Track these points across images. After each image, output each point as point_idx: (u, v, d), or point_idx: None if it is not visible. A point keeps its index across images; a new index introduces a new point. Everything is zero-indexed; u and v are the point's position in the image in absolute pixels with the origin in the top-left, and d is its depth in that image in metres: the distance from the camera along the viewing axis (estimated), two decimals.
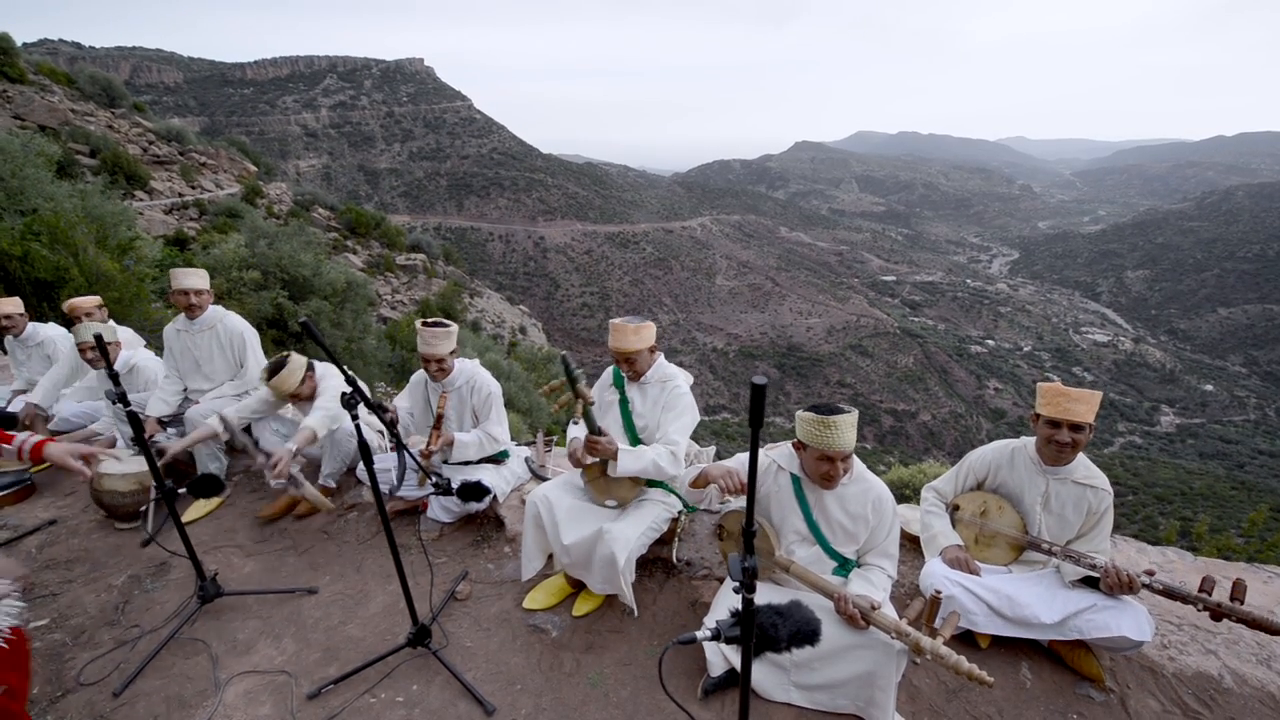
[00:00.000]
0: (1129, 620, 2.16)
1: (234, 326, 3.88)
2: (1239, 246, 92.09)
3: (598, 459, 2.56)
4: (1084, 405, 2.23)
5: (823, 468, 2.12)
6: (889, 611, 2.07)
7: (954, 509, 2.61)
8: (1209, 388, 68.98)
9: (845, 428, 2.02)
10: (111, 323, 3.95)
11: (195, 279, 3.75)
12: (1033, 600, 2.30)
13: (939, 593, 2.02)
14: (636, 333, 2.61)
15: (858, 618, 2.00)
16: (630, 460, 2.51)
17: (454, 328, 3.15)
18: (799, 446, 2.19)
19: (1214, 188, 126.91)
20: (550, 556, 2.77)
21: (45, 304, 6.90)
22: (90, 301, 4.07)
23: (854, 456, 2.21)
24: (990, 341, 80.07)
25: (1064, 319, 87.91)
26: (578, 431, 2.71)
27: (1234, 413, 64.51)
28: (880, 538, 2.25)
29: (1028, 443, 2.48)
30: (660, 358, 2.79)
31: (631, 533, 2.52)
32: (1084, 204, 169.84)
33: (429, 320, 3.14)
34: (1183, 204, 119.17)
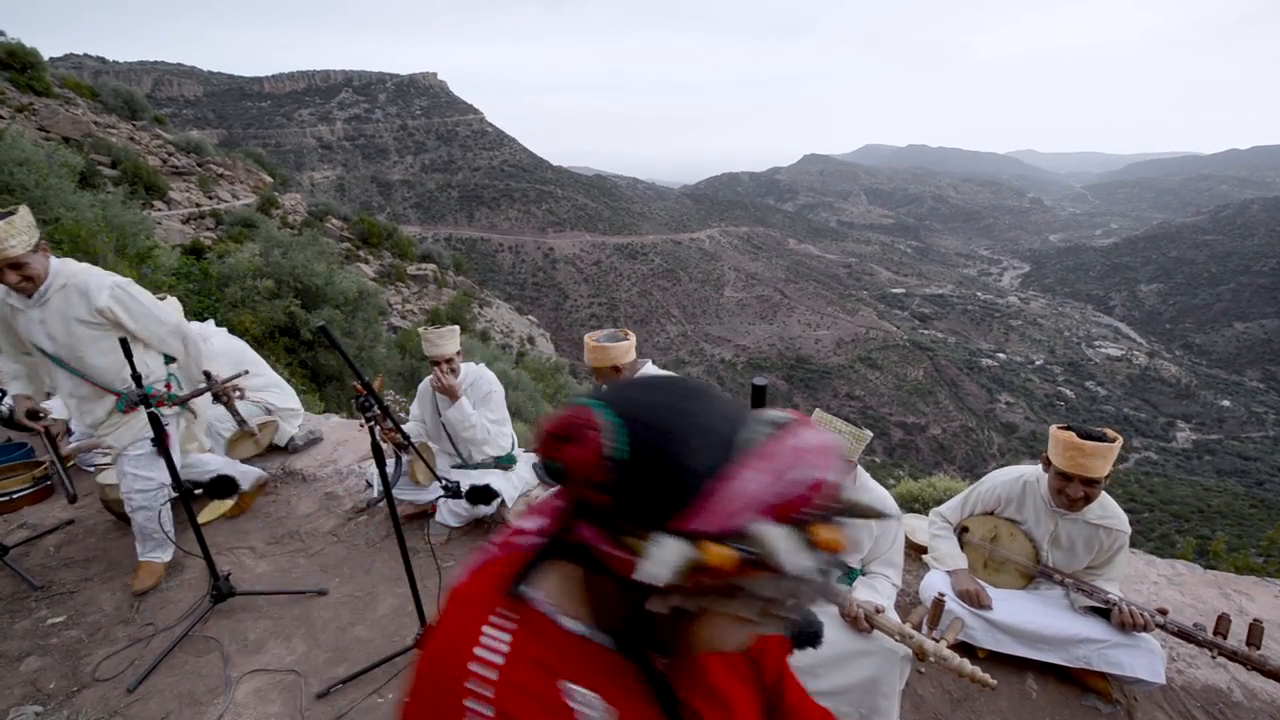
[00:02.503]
0: (1143, 662, 2.12)
1: (212, 350, 3.85)
2: (1255, 260, 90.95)
3: None
4: (1099, 460, 2.09)
5: None
6: (893, 616, 2.08)
7: (963, 530, 2.57)
8: (1226, 403, 67.86)
9: (834, 431, 2.07)
10: None
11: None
12: (1036, 615, 2.28)
13: (942, 595, 2.03)
14: (600, 350, 2.68)
15: (861, 620, 2.01)
16: None
17: (455, 327, 3.19)
18: None
19: (1228, 201, 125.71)
20: None
21: None
22: None
23: (860, 471, 2.23)
24: (1001, 355, 79.35)
25: (1076, 332, 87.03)
26: None
27: (1252, 429, 63.33)
28: (884, 547, 2.26)
29: (1041, 477, 2.36)
30: (645, 366, 2.82)
31: None
32: (1095, 217, 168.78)
33: (434, 325, 3.20)
34: (1196, 217, 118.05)
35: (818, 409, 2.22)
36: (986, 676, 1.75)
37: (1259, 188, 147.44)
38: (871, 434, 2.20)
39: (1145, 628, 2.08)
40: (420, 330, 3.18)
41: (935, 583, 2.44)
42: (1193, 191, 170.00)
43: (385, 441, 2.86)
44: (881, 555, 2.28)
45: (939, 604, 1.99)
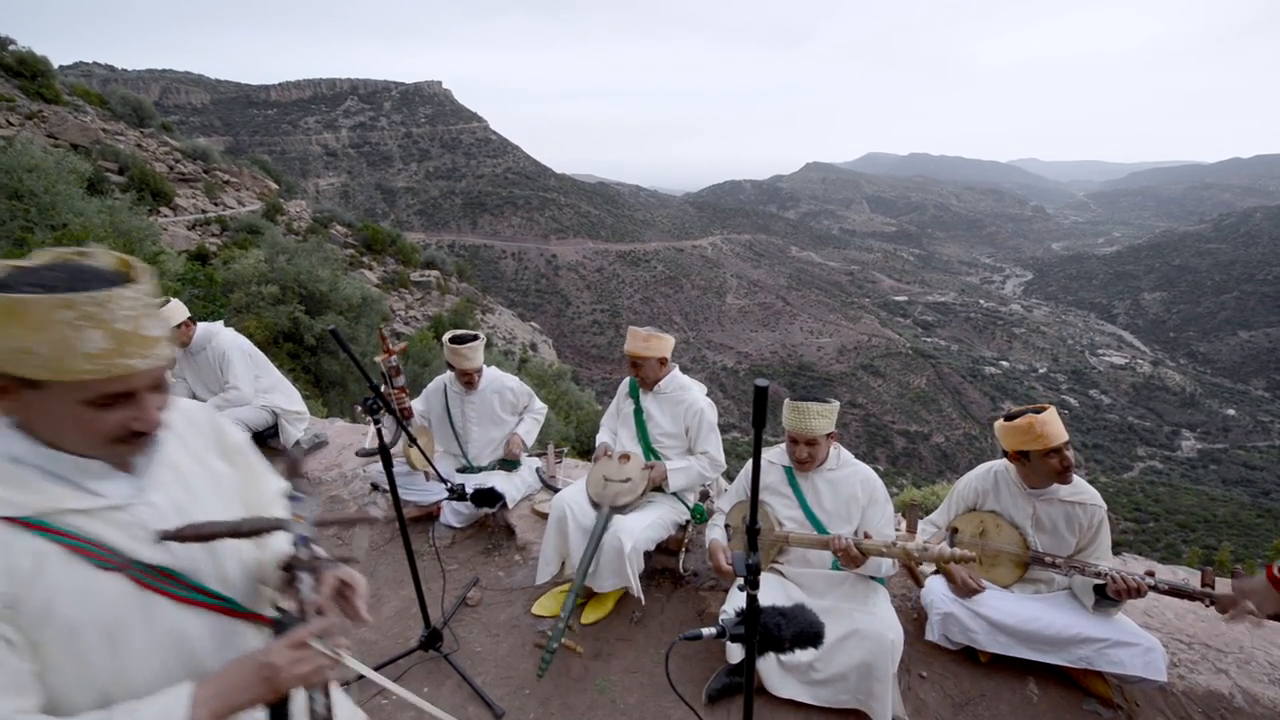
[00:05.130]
0: (1144, 660, 2.14)
1: (219, 346, 3.83)
2: (1259, 269, 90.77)
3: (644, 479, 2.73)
4: (1042, 429, 2.23)
5: (791, 449, 2.33)
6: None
7: (953, 531, 2.60)
8: (1231, 412, 67.52)
9: (810, 414, 2.20)
10: None
11: (174, 313, 3.58)
12: (1037, 615, 2.30)
13: (917, 503, 2.09)
14: (646, 340, 2.77)
15: (851, 549, 2.08)
16: (681, 478, 2.77)
17: (482, 339, 3.22)
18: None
19: (1231, 209, 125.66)
20: (564, 564, 2.81)
21: None
22: None
23: (841, 448, 2.40)
24: (1004, 363, 79.18)
25: (1080, 341, 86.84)
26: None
27: (1258, 438, 62.94)
28: (875, 519, 2.34)
29: (1009, 466, 2.46)
30: (675, 370, 2.91)
31: (638, 525, 2.59)
32: (1098, 225, 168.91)
33: (457, 335, 3.17)
34: (1199, 226, 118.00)
35: (787, 399, 2.29)
36: (965, 553, 1.82)
37: (1262, 196, 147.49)
38: (839, 402, 2.33)
39: (1139, 591, 2.11)
40: (445, 342, 3.11)
41: (935, 588, 2.48)
42: (1195, 200, 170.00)
43: (397, 404, 2.90)
44: (873, 530, 2.33)
45: (914, 512, 2.06)
